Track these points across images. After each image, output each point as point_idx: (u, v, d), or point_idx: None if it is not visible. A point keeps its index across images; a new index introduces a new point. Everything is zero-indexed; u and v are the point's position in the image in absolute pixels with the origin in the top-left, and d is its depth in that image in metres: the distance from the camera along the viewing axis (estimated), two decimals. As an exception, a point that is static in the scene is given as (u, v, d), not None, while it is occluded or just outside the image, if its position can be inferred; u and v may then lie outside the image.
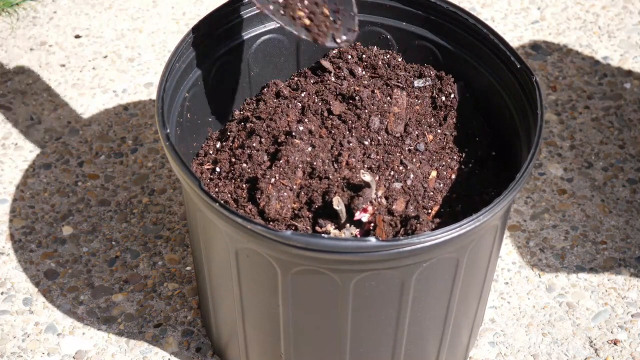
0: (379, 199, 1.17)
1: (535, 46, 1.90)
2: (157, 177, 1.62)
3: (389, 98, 1.28)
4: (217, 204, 1.04)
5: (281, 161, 1.18)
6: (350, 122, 1.24)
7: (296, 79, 1.36)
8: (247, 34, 1.34)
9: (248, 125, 1.27)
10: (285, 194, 1.16)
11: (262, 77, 1.38)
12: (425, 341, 1.21)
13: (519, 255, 1.50)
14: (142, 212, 1.56)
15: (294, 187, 1.17)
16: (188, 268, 1.47)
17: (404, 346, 1.19)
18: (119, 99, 1.77)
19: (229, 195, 1.19)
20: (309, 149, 1.20)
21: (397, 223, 1.15)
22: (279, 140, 1.22)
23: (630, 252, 1.51)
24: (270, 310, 1.15)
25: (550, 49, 1.89)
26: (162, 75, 1.19)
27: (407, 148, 1.24)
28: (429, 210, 1.18)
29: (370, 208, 1.15)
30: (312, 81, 1.35)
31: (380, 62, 1.35)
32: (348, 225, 1.15)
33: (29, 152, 1.66)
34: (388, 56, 1.36)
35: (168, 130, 1.12)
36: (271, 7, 1.15)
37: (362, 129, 1.24)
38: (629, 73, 1.83)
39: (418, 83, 1.33)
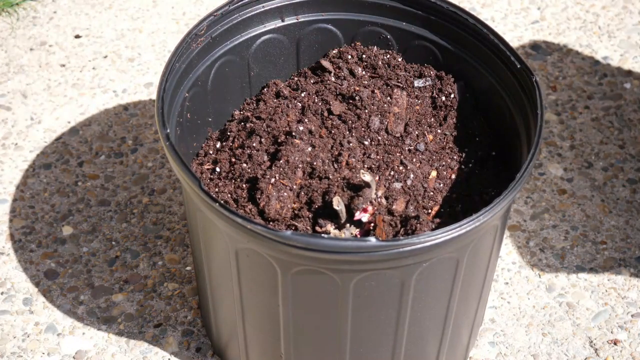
0: (379, 199, 1.17)
1: (535, 46, 1.90)
2: (157, 177, 1.62)
3: (389, 98, 1.28)
4: (217, 204, 1.04)
5: (281, 161, 1.18)
6: (350, 122, 1.24)
7: (296, 79, 1.36)
8: (247, 34, 1.34)
9: (248, 125, 1.27)
10: (285, 194, 1.16)
11: (262, 77, 1.38)
12: (425, 341, 1.21)
13: (519, 255, 1.50)
14: (142, 212, 1.56)
15: (294, 187, 1.17)
16: (188, 268, 1.47)
17: (404, 346, 1.19)
18: (119, 99, 1.77)
19: (229, 195, 1.19)
20: (309, 149, 1.20)
21: (397, 223, 1.15)
22: (279, 140, 1.22)
23: (630, 252, 1.50)
24: (270, 310, 1.15)
25: (550, 49, 1.89)
26: (162, 75, 1.19)
27: (407, 148, 1.24)
28: (429, 210, 1.18)
29: (370, 208, 1.15)
30: (312, 81, 1.35)
31: (380, 62, 1.35)
32: (348, 225, 1.15)
33: (29, 152, 1.66)
34: (388, 56, 1.36)
35: (168, 130, 1.12)
36: None
37: (362, 129, 1.24)
38: (629, 73, 1.83)
39: (418, 83, 1.33)
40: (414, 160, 1.23)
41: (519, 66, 1.22)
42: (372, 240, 1.01)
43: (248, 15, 1.32)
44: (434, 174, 1.23)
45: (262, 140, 1.23)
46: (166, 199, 1.58)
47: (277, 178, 1.17)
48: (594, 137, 1.70)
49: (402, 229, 1.14)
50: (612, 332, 1.40)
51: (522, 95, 1.21)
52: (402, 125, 1.26)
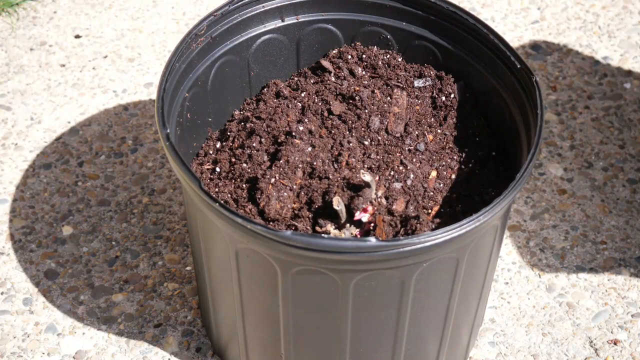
0: (379, 199, 1.17)
1: (535, 46, 1.90)
2: (157, 177, 1.62)
3: (389, 98, 1.28)
4: (217, 204, 1.04)
5: (281, 161, 1.18)
6: (350, 122, 1.24)
7: (296, 79, 1.36)
8: (247, 34, 1.33)
9: (248, 125, 1.27)
10: (285, 194, 1.16)
11: (262, 77, 1.38)
12: (425, 341, 1.21)
13: (519, 255, 1.50)
14: (142, 212, 1.56)
15: (294, 187, 1.17)
16: (188, 268, 1.47)
17: (404, 346, 1.18)
18: (119, 99, 1.77)
19: (229, 195, 1.19)
20: (309, 149, 1.20)
21: (397, 223, 1.15)
22: (279, 140, 1.22)
23: (630, 252, 1.50)
24: (270, 310, 1.15)
25: (550, 49, 1.89)
26: (162, 75, 1.19)
27: (407, 148, 1.24)
28: (429, 210, 1.18)
29: (370, 208, 1.15)
30: (312, 81, 1.35)
31: (380, 62, 1.35)
32: (348, 225, 1.15)
33: (29, 152, 1.66)
34: (388, 56, 1.36)
35: (168, 130, 1.12)
36: None
37: (362, 129, 1.24)
38: (629, 73, 1.83)
39: (418, 83, 1.33)
40: (414, 160, 1.23)
41: (519, 66, 1.22)
42: (372, 240, 1.01)
43: (248, 15, 1.32)
44: (434, 174, 1.23)
45: (262, 140, 1.23)
46: (166, 199, 1.58)
47: (277, 178, 1.17)
48: (594, 137, 1.70)
49: (402, 229, 1.14)
50: (612, 332, 1.40)
51: (522, 95, 1.21)
52: (402, 125, 1.26)
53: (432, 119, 1.30)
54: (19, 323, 1.40)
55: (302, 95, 1.30)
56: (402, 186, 1.19)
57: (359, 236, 1.15)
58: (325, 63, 1.35)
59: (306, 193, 1.17)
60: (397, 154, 1.22)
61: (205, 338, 1.38)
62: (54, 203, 1.57)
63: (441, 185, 1.22)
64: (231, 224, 1.04)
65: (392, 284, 1.09)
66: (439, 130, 1.29)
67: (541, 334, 1.39)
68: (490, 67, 1.28)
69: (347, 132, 1.24)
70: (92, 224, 1.54)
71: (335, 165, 1.19)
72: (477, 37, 1.29)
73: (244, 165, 1.21)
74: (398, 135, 1.25)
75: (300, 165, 1.18)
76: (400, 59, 1.36)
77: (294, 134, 1.21)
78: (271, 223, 1.15)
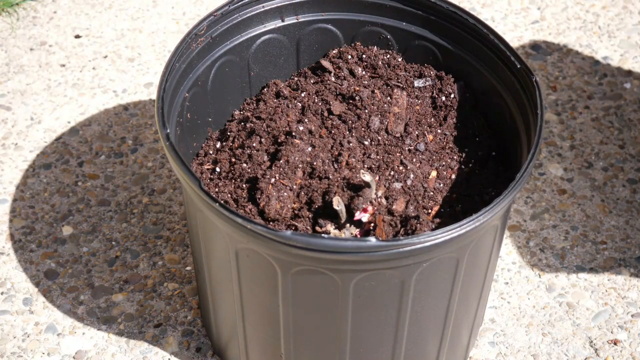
0: (379, 199, 1.17)
1: (535, 46, 1.90)
2: (157, 177, 1.62)
3: (389, 98, 1.28)
4: (217, 204, 1.04)
5: (281, 161, 1.18)
6: (350, 122, 1.24)
7: (296, 79, 1.36)
8: (247, 34, 1.33)
9: (248, 125, 1.27)
10: (285, 194, 1.16)
11: (262, 77, 1.38)
12: (425, 341, 1.21)
13: (519, 255, 1.50)
14: (142, 212, 1.56)
15: (294, 187, 1.17)
16: (188, 268, 1.47)
17: (404, 346, 1.18)
18: (119, 99, 1.77)
19: (229, 195, 1.19)
20: (309, 149, 1.20)
21: (397, 223, 1.15)
22: (279, 140, 1.22)
23: (630, 252, 1.50)
24: (270, 310, 1.15)
25: (550, 49, 1.89)
26: (162, 75, 1.19)
27: (407, 148, 1.24)
28: (429, 210, 1.18)
29: (370, 208, 1.15)
30: (312, 81, 1.35)
31: (380, 62, 1.35)
32: (348, 225, 1.15)
33: (29, 152, 1.66)
34: (388, 56, 1.36)
35: (168, 130, 1.12)
36: None
37: (362, 129, 1.24)
38: (629, 73, 1.83)
39: (418, 83, 1.33)
40: (414, 160, 1.23)
41: (519, 66, 1.22)
42: (372, 240, 1.01)
43: (248, 15, 1.32)
44: (434, 174, 1.23)
45: (262, 140, 1.23)
46: (166, 199, 1.58)
47: (277, 178, 1.17)
48: (594, 137, 1.70)
49: (402, 229, 1.14)
50: (612, 332, 1.40)
51: (522, 95, 1.21)
52: (402, 125, 1.26)
53: (432, 119, 1.30)
54: (19, 323, 1.40)
55: (302, 95, 1.30)
56: (402, 186, 1.19)
57: (359, 236, 1.15)
58: (325, 63, 1.35)
59: (306, 193, 1.17)
60: (397, 154, 1.22)
61: (205, 338, 1.38)
62: (54, 203, 1.57)
63: (441, 185, 1.22)
64: (231, 224, 1.04)
65: (392, 284, 1.09)
66: (439, 130, 1.29)
67: (541, 334, 1.39)
68: (490, 67, 1.28)
69: (347, 132, 1.24)
70: (92, 224, 1.54)
71: (335, 165, 1.19)
72: (477, 37, 1.29)
73: (244, 165, 1.21)
74: (398, 135, 1.25)
75: (300, 165, 1.18)
76: (400, 59, 1.36)
77: (294, 134, 1.21)
78: (271, 223, 1.15)
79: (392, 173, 1.20)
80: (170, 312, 1.41)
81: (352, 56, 1.36)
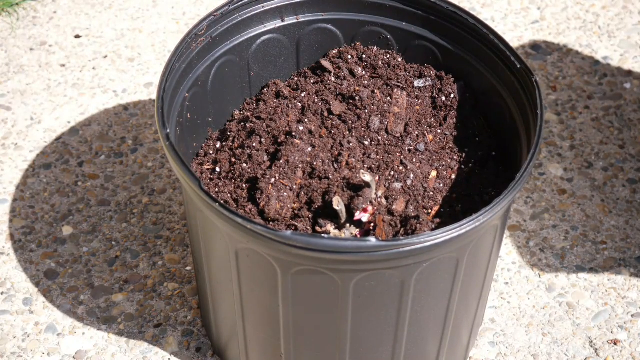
0: (379, 199, 1.17)
1: (535, 46, 1.90)
2: (157, 177, 1.62)
3: (389, 98, 1.28)
4: (217, 204, 1.04)
5: (281, 161, 1.18)
6: (350, 122, 1.24)
7: (296, 79, 1.36)
8: (247, 34, 1.33)
9: (248, 125, 1.27)
10: (285, 194, 1.16)
11: (262, 77, 1.38)
12: (425, 341, 1.21)
13: (519, 255, 1.50)
14: (142, 212, 1.56)
15: (294, 187, 1.17)
16: (188, 268, 1.47)
17: (404, 346, 1.18)
18: (119, 99, 1.77)
19: (229, 195, 1.19)
20: (309, 149, 1.20)
21: (397, 223, 1.15)
22: (279, 140, 1.22)
23: (630, 252, 1.50)
24: (270, 310, 1.15)
25: (550, 49, 1.89)
26: (162, 75, 1.19)
27: (407, 148, 1.24)
28: (429, 210, 1.18)
29: (370, 208, 1.15)
30: (312, 81, 1.35)
31: (380, 62, 1.35)
32: (348, 225, 1.15)
33: (29, 152, 1.66)
34: (388, 56, 1.36)
35: (168, 130, 1.12)
36: None
37: (362, 129, 1.24)
38: (629, 73, 1.83)
39: (418, 83, 1.33)
40: (414, 160, 1.23)
41: (519, 66, 1.22)
42: (372, 240, 1.01)
43: (248, 15, 1.32)
44: (434, 174, 1.23)
45: (262, 140, 1.23)
46: (166, 199, 1.58)
47: (277, 178, 1.17)
48: (594, 137, 1.70)
49: (402, 229, 1.14)
50: (612, 332, 1.40)
51: (522, 95, 1.21)
52: (402, 125, 1.26)
53: (432, 119, 1.30)
54: (19, 323, 1.40)
55: (302, 95, 1.30)
56: (402, 186, 1.19)
57: (359, 236, 1.15)
58: (325, 63, 1.35)
59: (306, 193, 1.17)
60: (397, 154, 1.22)
61: (205, 338, 1.38)
62: (54, 203, 1.57)
63: (441, 185, 1.22)
64: (231, 224, 1.04)
65: (392, 284, 1.09)
66: (439, 130, 1.29)
67: (541, 334, 1.39)
68: (490, 67, 1.28)
69: (347, 132, 1.24)
70: (92, 224, 1.54)
71: (335, 165, 1.19)
72: (477, 37, 1.29)
73: (244, 165, 1.21)
74: (398, 135, 1.25)
75: (300, 165, 1.18)
76: (400, 59, 1.36)
77: (294, 134, 1.21)
78: (271, 223, 1.15)
79: (392, 173, 1.20)
80: (170, 312, 1.41)
81: (352, 56, 1.36)
